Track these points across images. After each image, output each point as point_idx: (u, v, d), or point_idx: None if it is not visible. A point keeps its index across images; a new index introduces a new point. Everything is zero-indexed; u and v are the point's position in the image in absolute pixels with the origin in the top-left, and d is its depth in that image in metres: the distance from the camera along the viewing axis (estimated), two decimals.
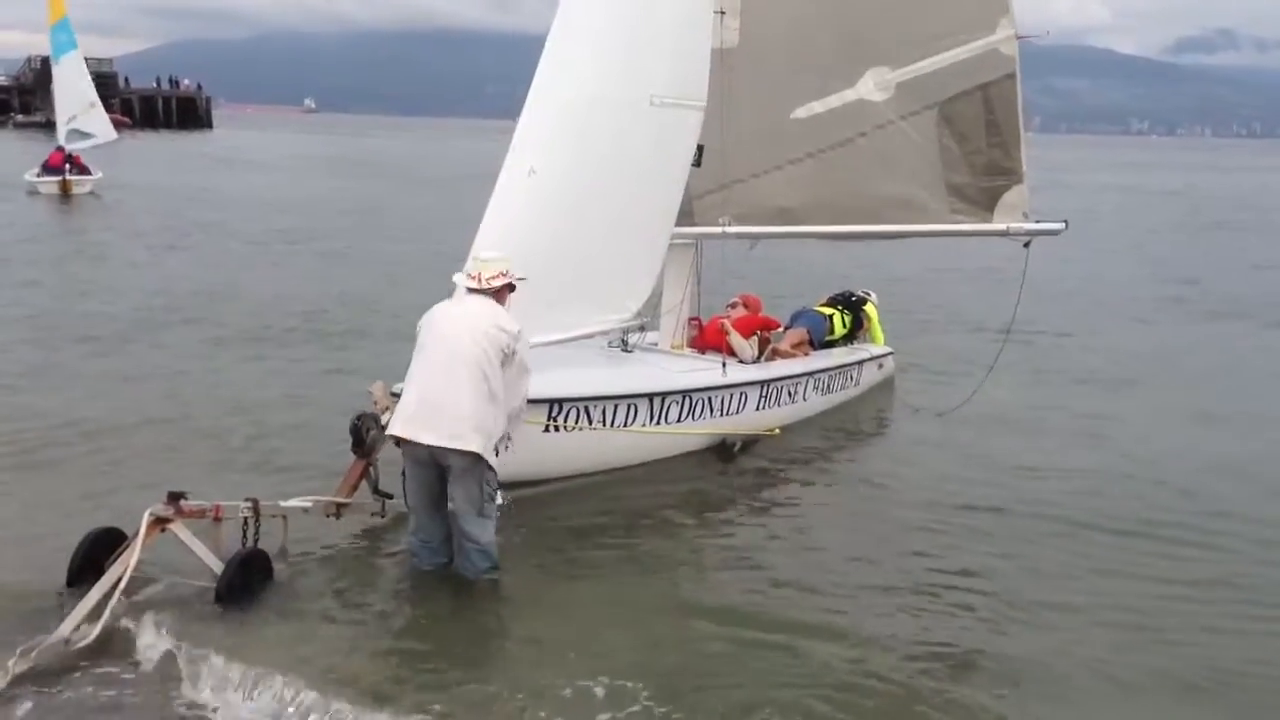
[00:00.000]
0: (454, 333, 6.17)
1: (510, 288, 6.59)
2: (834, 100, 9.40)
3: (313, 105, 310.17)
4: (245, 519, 6.23)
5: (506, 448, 6.76)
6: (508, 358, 6.18)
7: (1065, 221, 9.40)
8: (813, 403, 10.08)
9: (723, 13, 8.97)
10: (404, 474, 6.35)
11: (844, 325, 10.97)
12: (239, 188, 36.74)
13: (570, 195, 7.85)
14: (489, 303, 6.40)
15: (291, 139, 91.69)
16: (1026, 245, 9.42)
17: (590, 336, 8.47)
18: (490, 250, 6.72)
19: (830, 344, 10.73)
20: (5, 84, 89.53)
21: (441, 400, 6.04)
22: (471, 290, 6.45)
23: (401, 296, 14.42)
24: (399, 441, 6.20)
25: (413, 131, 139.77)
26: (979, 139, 9.37)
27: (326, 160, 59.19)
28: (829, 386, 10.35)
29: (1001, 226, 9.41)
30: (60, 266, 18.57)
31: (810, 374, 9.97)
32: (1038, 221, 9.41)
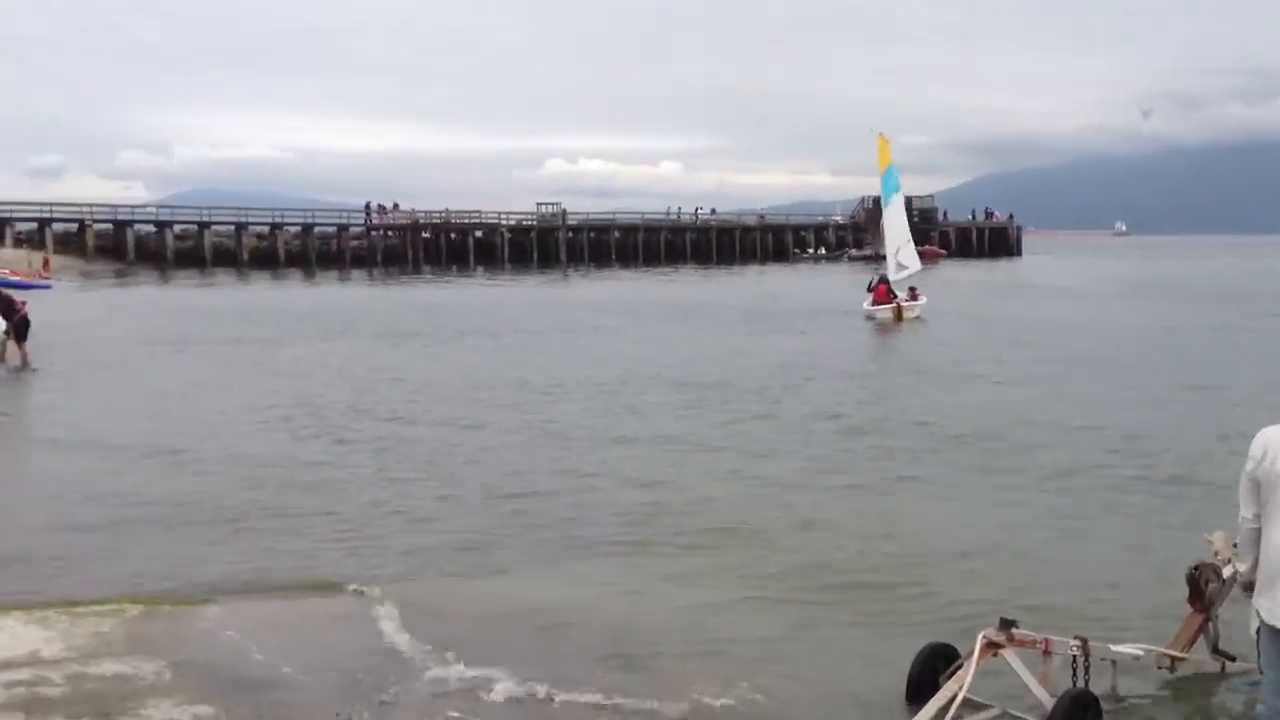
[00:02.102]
0: None
1: None
2: None
3: (1124, 228, 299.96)
4: (1074, 657, 6.16)
5: None
6: None
7: None
8: None
9: None
10: (1258, 634, 5.75)
11: None
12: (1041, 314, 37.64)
13: None
14: None
15: (1096, 264, 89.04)
16: None
17: None
18: None
19: None
20: (843, 222, 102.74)
21: None
22: None
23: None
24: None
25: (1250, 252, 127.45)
26: None
27: (1136, 288, 56.86)
28: None
29: None
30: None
31: None
32: None
